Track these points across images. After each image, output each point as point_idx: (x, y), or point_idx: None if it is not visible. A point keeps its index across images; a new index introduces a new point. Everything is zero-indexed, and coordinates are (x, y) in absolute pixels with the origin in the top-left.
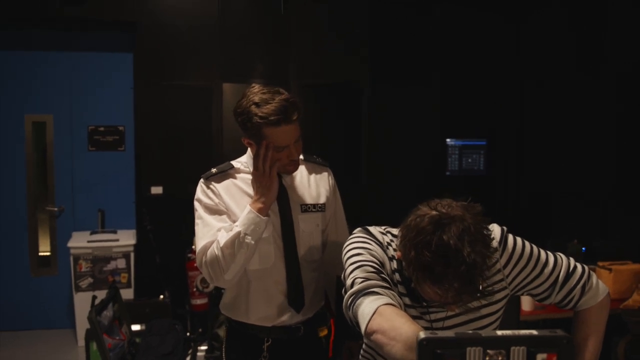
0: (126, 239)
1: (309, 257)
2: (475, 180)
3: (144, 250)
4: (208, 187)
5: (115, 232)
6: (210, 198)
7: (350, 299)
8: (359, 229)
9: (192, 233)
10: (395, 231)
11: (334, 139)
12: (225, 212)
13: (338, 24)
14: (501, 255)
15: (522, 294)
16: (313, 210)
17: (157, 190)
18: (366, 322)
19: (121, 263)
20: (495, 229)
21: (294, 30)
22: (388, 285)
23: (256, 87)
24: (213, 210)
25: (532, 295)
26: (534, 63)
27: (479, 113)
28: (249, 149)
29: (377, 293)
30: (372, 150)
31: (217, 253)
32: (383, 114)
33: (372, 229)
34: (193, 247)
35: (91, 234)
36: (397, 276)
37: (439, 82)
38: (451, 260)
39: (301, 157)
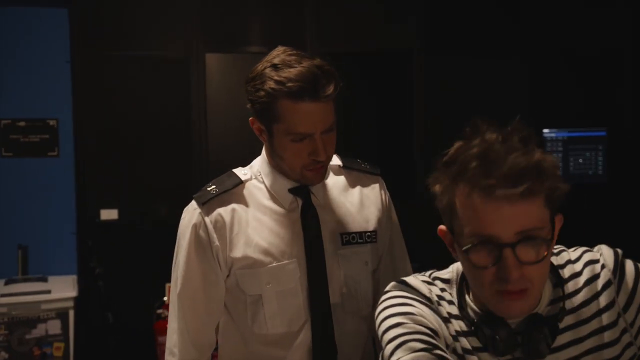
0: (62, 289)
1: (353, 309)
2: (591, 192)
3: (89, 305)
4: (203, 218)
5: (44, 280)
6: (204, 236)
7: None
8: (392, 284)
9: (163, 277)
10: (445, 274)
11: (368, 127)
12: (218, 266)
13: None
14: (618, 292)
15: None
16: (360, 241)
17: (109, 214)
18: None
19: (54, 327)
20: (605, 252)
21: None
22: None
23: (281, 49)
24: (204, 258)
25: None
26: None
27: (590, 92)
28: (263, 151)
29: None
30: (427, 143)
31: None
32: (442, 94)
33: (411, 280)
34: (165, 299)
35: (6, 283)
36: (463, 342)
37: (528, 49)
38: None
39: (339, 162)
